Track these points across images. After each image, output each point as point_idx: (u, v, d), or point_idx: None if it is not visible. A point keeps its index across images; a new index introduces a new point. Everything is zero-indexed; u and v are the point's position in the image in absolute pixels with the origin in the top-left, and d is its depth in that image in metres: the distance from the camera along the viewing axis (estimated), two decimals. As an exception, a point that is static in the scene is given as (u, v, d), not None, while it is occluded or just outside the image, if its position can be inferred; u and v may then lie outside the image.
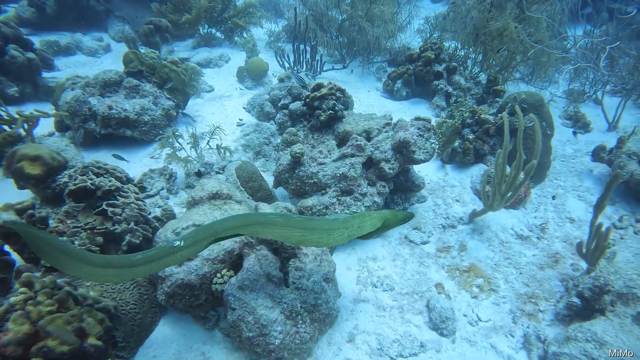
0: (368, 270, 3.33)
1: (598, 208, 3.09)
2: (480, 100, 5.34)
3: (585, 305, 2.93)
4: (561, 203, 4.25)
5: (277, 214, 2.40)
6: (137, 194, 2.92)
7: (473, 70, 5.98)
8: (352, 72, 6.44)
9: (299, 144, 3.35)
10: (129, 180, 3.09)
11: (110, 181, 2.78)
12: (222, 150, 4.05)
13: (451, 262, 3.50)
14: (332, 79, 6.12)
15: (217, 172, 3.91)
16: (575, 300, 2.99)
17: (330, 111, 3.47)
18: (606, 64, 5.68)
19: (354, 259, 3.42)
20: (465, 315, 3.07)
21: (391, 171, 3.32)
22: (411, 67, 5.46)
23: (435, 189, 4.26)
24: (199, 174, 3.81)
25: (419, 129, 3.37)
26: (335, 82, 6.05)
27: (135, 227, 2.71)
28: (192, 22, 6.92)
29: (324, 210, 3.19)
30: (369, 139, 3.48)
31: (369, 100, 5.62)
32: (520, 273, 3.45)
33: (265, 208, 2.89)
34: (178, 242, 2.09)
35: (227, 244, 2.71)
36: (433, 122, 4.62)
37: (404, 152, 3.33)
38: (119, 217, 2.63)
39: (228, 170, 3.91)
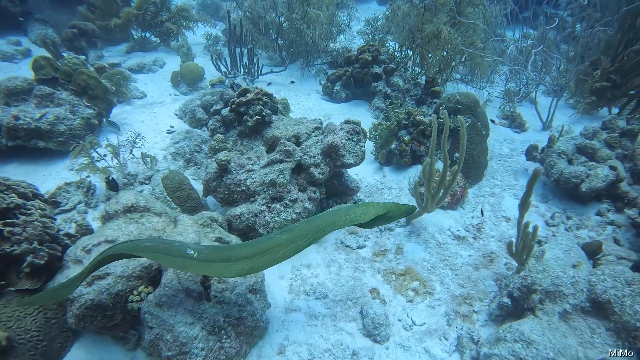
0: (301, 278, 3.34)
1: (522, 207, 3.24)
2: (419, 101, 5.54)
3: (516, 305, 3.06)
4: (497, 202, 4.46)
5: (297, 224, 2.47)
6: (43, 210, 2.78)
7: (413, 71, 6.20)
8: (291, 75, 6.50)
9: (226, 151, 3.33)
10: (36, 196, 2.94)
11: (10, 197, 2.63)
12: (148, 159, 3.94)
13: (387, 266, 3.58)
14: (272, 82, 6.15)
15: (142, 183, 3.80)
16: (506, 300, 3.12)
17: (258, 116, 3.48)
18: (541, 66, 6.07)
19: (288, 267, 3.41)
20: (400, 320, 3.14)
21: (321, 176, 3.36)
22: (349, 69, 5.59)
23: (372, 191, 4.35)
24: (112, 186, 3.66)
25: (348, 132, 3.44)
26: (275, 85, 6.14)
27: (39, 246, 2.57)
28: (122, 27, 6.73)
29: (253, 219, 3.18)
30: (298, 143, 3.51)
31: (308, 104, 5.70)
32: (456, 274, 3.57)
33: (185, 220, 2.84)
34: (194, 252, 2.18)
35: (144, 259, 2.64)
36: (371, 124, 4.75)
37: (333, 156, 3.38)
38: (18, 237, 2.49)
39: (154, 180, 3.80)
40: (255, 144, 3.57)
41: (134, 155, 3.96)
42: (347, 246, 3.69)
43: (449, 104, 4.64)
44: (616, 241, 4.04)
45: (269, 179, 3.26)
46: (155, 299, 2.50)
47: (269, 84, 6.08)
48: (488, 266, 3.70)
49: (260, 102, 3.52)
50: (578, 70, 5.72)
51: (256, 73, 6.01)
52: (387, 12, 6.12)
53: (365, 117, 5.48)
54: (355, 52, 5.68)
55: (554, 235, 4.10)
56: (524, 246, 3.25)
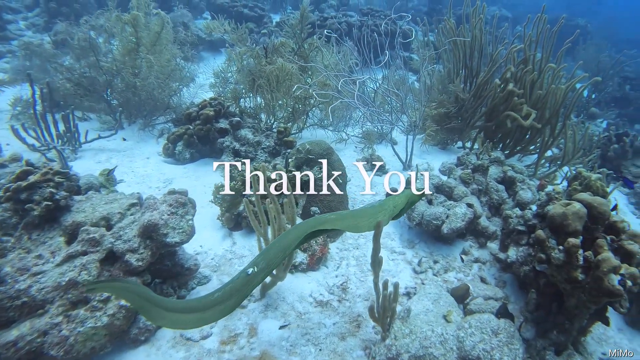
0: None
1: (374, 265, 3.01)
2: (274, 153, 5.49)
3: (384, 378, 2.86)
4: (363, 254, 4.42)
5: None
6: None
7: (268, 120, 6.23)
8: (130, 137, 6.05)
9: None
10: None
11: None
12: None
13: (239, 354, 3.22)
14: (101, 150, 5.66)
15: None
16: (374, 375, 2.95)
17: (47, 202, 3.02)
18: (395, 106, 6.53)
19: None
20: None
21: (141, 263, 2.97)
22: (190, 127, 5.39)
23: (221, 263, 4.03)
24: None
25: (171, 205, 3.13)
26: (108, 151, 5.64)
27: None
28: None
29: (39, 340, 2.60)
30: (109, 227, 3.11)
31: (146, 169, 5.25)
32: (320, 350, 3.31)
33: None
34: (252, 269, 2.42)
35: None
36: (213, 186, 4.52)
37: (154, 236, 3.05)
38: None
39: None
40: (49, 236, 3.05)
41: None
42: (188, 339, 3.26)
43: (299, 154, 4.63)
44: (482, 280, 4.21)
45: (67, 278, 2.76)
46: None
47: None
48: (355, 333, 3.54)
49: (52, 184, 3.08)
50: (424, 108, 6.27)
51: (78, 142, 5.48)
52: (225, 61, 6.08)
53: (213, 177, 5.22)
54: (196, 108, 5.51)
55: (422, 284, 4.11)
56: (385, 310, 3.11)
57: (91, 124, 6.43)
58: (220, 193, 4.32)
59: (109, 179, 4.33)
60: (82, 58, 6.17)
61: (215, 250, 4.16)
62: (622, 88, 13.82)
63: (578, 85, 5.79)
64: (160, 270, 3.37)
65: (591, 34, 19.47)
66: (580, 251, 2.91)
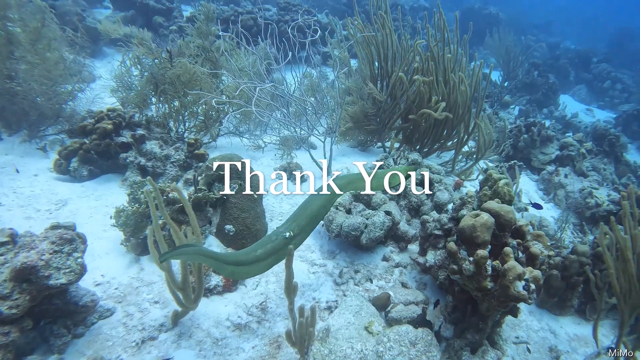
0: None
1: (288, 293, 3.02)
2: (185, 167, 5.16)
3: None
4: (283, 270, 4.30)
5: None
6: None
7: (179, 130, 5.87)
8: (9, 152, 5.32)
9: None
10: None
11: None
12: None
13: (149, 396, 3.00)
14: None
15: None
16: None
17: None
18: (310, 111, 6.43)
19: None
20: None
21: (15, 310, 2.59)
22: (86, 141, 4.86)
23: (126, 293, 3.70)
24: None
25: (54, 243, 2.78)
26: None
27: None
28: None
29: None
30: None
31: (33, 189, 4.65)
32: None
33: None
34: (288, 233, 2.86)
35: None
36: (114, 210, 4.13)
37: (33, 279, 2.69)
38: None
39: None
40: None
41: None
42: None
43: (209, 172, 4.38)
44: (403, 285, 4.31)
45: None
46: None
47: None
48: (275, 355, 3.44)
49: None
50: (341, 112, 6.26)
51: None
52: (121, 64, 5.50)
53: (117, 195, 4.78)
54: (92, 121, 4.97)
55: (344, 295, 4.10)
56: (302, 335, 3.06)
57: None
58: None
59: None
60: None
61: (120, 279, 3.83)
62: (530, 74, 14.81)
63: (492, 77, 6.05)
64: (48, 310, 3.02)
65: (503, 22, 20.50)
66: (489, 262, 3.09)
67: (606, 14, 39.34)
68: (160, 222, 3.62)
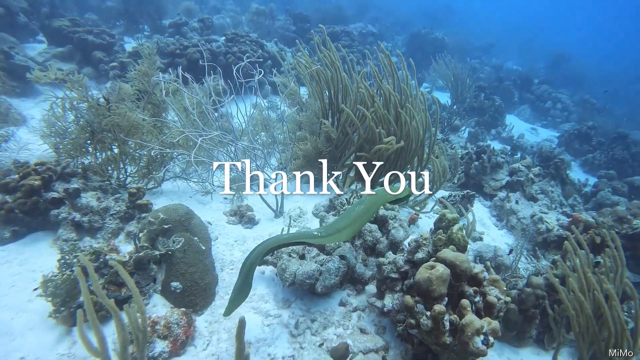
0: None
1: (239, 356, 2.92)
2: (127, 218, 4.86)
3: None
4: (235, 325, 4.08)
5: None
6: None
7: (121, 177, 5.55)
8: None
9: None
10: None
11: None
12: None
13: None
14: None
15: None
16: None
17: None
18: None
19: None
20: None
21: None
22: (9, 200, 4.45)
23: (52, 375, 3.35)
24: None
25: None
26: None
27: None
28: None
29: None
30: None
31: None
32: None
33: None
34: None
35: None
36: (40, 279, 3.75)
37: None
38: None
39: None
40: None
41: None
42: None
43: (151, 227, 4.12)
44: (362, 331, 4.18)
45: None
46: None
47: None
48: None
49: None
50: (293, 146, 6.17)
51: None
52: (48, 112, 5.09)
53: (46, 257, 4.39)
54: (16, 177, 4.56)
55: (301, 348, 3.94)
56: None
57: None
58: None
59: None
60: None
61: (49, 356, 3.45)
62: (478, 98, 15.42)
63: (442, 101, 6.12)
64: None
65: (448, 46, 21.49)
66: (446, 316, 3.03)
67: (540, 37, 42.01)
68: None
